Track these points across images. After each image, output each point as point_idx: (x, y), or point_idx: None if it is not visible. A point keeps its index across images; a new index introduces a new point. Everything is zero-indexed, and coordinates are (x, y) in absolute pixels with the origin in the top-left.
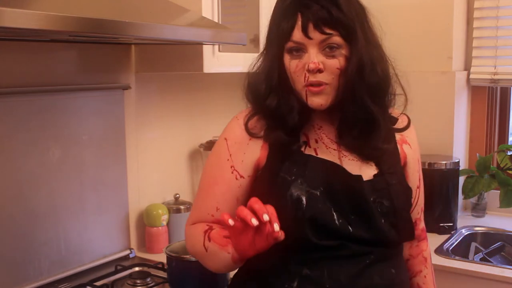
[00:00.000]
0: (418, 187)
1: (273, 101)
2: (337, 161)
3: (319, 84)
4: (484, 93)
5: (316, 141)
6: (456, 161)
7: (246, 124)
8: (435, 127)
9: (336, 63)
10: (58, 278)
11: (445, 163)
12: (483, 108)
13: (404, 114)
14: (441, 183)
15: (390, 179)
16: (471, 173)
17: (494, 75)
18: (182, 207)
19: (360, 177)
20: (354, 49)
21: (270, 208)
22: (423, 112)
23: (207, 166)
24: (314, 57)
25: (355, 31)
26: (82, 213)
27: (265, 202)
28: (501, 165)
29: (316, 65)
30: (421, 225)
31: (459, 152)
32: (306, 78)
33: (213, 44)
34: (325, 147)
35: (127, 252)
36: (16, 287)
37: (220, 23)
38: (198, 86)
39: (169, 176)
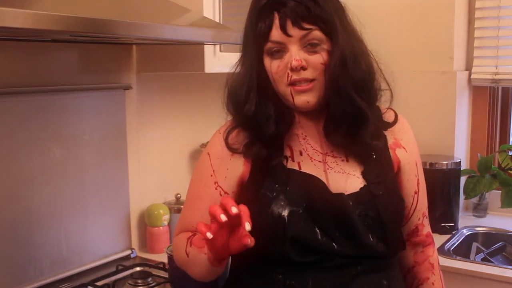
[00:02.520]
0: (416, 193)
1: (250, 109)
2: (322, 175)
3: (305, 80)
4: (486, 93)
5: (301, 153)
6: (458, 161)
7: (226, 139)
8: (436, 127)
9: (319, 58)
10: (59, 278)
11: (446, 163)
12: (485, 108)
13: (391, 108)
14: (443, 183)
15: (376, 190)
16: (473, 173)
17: (495, 75)
18: (183, 207)
19: (341, 195)
20: (336, 43)
21: (243, 207)
22: (424, 112)
23: (192, 180)
24: (296, 54)
25: (335, 25)
26: (83, 213)
27: None
28: (503, 165)
29: (299, 62)
30: (425, 230)
31: (460, 152)
32: (289, 77)
33: (214, 44)
34: (309, 160)
35: (128, 252)
36: (17, 287)
37: (221, 23)
38: (199, 86)
39: (170, 176)
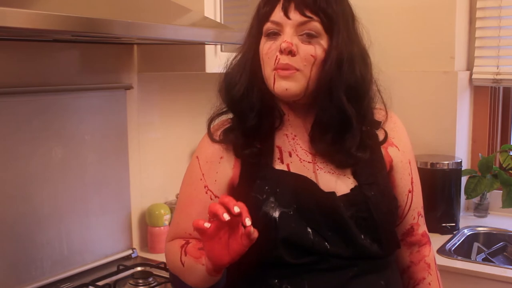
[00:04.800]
0: (410, 191)
1: (239, 90)
2: (312, 175)
3: (288, 67)
4: (487, 93)
5: (290, 155)
6: (459, 161)
7: (209, 126)
8: (437, 127)
9: (312, 49)
10: (60, 278)
11: (448, 163)
12: (486, 108)
13: (383, 128)
14: (444, 183)
15: (368, 191)
16: (474, 173)
17: (496, 75)
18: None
19: (333, 194)
20: (335, 42)
21: (241, 204)
22: (425, 112)
23: (182, 185)
24: (288, 37)
25: (337, 23)
26: (85, 213)
27: None
28: (504, 165)
29: (289, 44)
30: (421, 229)
31: (462, 152)
32: (277, 61)
33: (215, 44)
34: (299, 161)
35: (129, 252)
36: (19, 287)
37: (222, 23)
38: (200, 86)
39: (171, 176)
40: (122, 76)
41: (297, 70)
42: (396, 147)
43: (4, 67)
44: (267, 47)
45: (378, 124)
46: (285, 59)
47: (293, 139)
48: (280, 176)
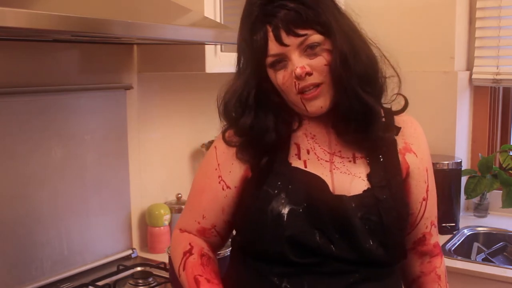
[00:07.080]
0: (424, 199)
1: (246, 121)
2: (328, 174)
3: (313, 86)
4: (487, 93)
5: (308, 152)
6: (458, 161)
7: (223, 133)
8: (437, 127)
9: (322, 60)
10: (60, 278)
11: (447, 163)
12: (486, 108)
13: (400, 94)
14: (443, 183)
15: (380, 194)
16: (473, 173)
17: (496, 75)
18: (184, 207)
19: (342, 197)
20: (334, 42)
21: None
22: (425, 112)
23: (198, 173)
24: (298, 62)
25: (330, 24)
26: (84, 213)
27: (247, 215)
28: (504, 165)
29: (303, 69)
30: (433, 240)
31: (461, 152)
32: (297, 86)
33: (215, 44)
34: (316, 159)
35: (129, 252)
36: (19, 287)
37: (222, 23)
38: (200, 86)
39: (171, 176)
40: (122, 76)
41: (321, 83)
42: (414, 153)
43: (4, 67)
44: (280, 78)
45: (398, 130)
46: (305, 81)
47: (312, 138)
48: (293, 173)
